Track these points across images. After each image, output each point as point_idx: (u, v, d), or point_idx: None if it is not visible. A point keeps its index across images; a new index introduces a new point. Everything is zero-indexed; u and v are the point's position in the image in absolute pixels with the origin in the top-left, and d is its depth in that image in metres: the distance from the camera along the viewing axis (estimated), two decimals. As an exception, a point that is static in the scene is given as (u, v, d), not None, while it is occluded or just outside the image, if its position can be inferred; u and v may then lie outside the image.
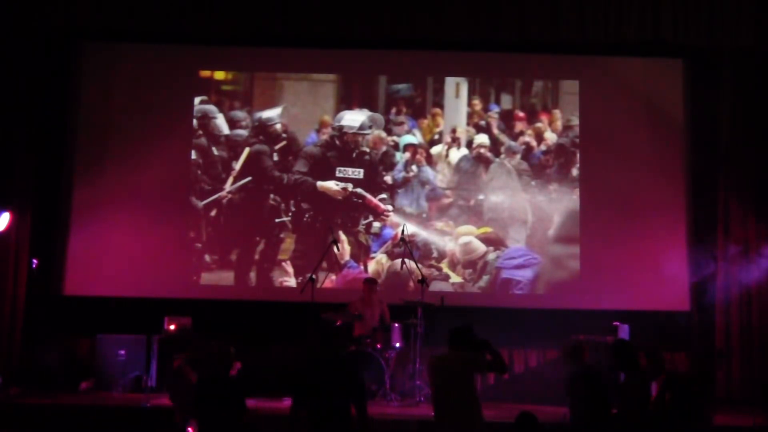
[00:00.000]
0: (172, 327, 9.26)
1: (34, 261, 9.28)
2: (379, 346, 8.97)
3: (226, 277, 10.23)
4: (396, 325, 9.19)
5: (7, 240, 9.54)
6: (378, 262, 10.26)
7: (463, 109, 10.49)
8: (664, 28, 9.50)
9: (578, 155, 10.40)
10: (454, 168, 10.40)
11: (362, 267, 10.23)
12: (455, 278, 10.25)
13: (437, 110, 10.47)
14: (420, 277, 9.01)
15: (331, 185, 10.28)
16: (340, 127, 10.36)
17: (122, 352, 9.16)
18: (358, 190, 10.29)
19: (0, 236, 9.36)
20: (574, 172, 10.38)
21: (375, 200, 10.29)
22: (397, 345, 9.12)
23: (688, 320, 9.83)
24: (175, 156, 10.23)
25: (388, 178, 10.36)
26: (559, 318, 9.62)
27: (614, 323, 9.18)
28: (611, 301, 9.88)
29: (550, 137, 10.45)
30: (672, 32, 9.53)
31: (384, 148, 10.38)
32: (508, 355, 9.91)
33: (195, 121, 10.37)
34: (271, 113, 10.42)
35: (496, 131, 10.45)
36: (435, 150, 10.42)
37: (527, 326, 9.47)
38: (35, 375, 9.03)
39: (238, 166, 10.32)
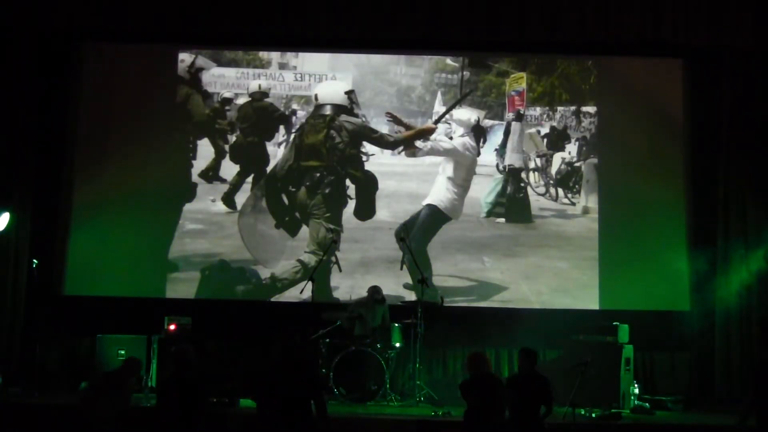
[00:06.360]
0: (172, 327, 9.24)
1: (34, 261, 9.26)
2: (378, 346, 8.98)
3: (226, 277, 10.22)
4: (396, 325, 9.18)
5: (7, 240, 9.54)
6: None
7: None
8: (664, 28, 9.50)
9: (578, 155, 10.41)
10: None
11: (362, 267, 10.22)
12: (455, 278, 10.24)
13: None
14: (420, 277, 9.00)
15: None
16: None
17: (122, 352, 9.17)
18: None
19: (0, 236, 9.36)
20: (574, 172, 10.41)
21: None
22: (397, 345, 9.12)
23: (688, 320, 9.82)
24: (175, 156, 10.23)
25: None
26: (559, 318, 9.61)
27: (614, 323, 9.18)
28: (611, 301, 9.88)
29: (550, 137, 10.47)
30: (672, 32, 9.53)
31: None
32: (508, 355, 9.92)
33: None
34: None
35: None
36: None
37: (527, 326, 9.45)
38: (35, 375, 9.02)
39: (239, 165, 10.33)
